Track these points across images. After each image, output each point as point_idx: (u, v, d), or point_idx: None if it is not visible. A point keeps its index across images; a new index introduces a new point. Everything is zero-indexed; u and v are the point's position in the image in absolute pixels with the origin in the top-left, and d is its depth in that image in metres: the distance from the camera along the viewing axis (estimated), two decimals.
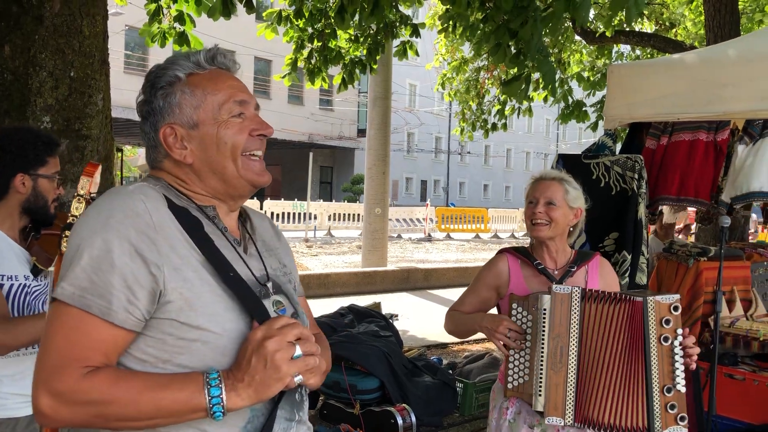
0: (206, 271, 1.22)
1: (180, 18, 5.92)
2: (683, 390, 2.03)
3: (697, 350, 2.08)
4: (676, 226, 5.74)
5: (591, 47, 10.73)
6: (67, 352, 1.12)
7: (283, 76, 7.62)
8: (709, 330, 3.99)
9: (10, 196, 2.10)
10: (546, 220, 2.33)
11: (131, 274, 1.14)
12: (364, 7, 5.43)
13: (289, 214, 22.57)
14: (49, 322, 1.15)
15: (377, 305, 6.61)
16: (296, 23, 7.08)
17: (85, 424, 1.13)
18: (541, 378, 2.11)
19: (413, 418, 4.38)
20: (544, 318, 2.12)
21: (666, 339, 2.03)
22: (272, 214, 22.02)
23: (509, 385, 2.23)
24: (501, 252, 2.51)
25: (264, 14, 7.10)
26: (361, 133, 31.39)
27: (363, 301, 6.86)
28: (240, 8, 5.55)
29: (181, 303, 1.17)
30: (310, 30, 7.24)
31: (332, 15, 6.65)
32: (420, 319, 8.71)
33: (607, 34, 8.19)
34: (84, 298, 1.13)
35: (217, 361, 1.19)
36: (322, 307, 7.30)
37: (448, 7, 5.66)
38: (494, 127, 11.26)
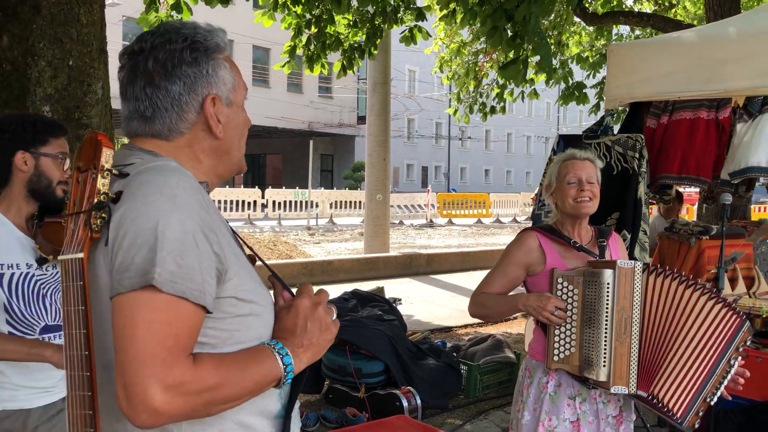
0: (236, 244, 1.24)
1: (177, 6, 5.90)
2: (712, 404, 2.17)
3: (741, 381, 2.21)
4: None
5: (590, 28, 10.68)
6: (172, 341, 1.05)
7: (283, 65, 7.58)
8: None
9: (13, 178, 2.05)
10: (590, 196, 2.39)
11: (205, 255, 1.10)
12: None
13: (290, 202, 22.57)
14: (137, 311, 1.05)
15: (380, 290, 6.63)
16: (293, 9, 7.04)
17: (192, 415, 1.09)
18: (605, 350, 2.17)
19: (418, 401, 4.41)
20: (608, 292, 2.17)
21: (733, 359, 2.16)
22: (274, 202, 22.05)
23: (555, 358, 2.28)
24: (528, 230, 2.54)
25: (261, 0, 7.06)
26: (361, 120, 31.32)
27: (366, 286, 6.88)
28: None
29: (236, 280, 1.17)
30: (308, 16, 7.20)
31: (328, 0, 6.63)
32: (423, 304, 8.75)
33: (599, 12, 8.14)
34: (176, 283, 1.06)
35: (264, 333, 1.22)
36: None
37: None
38: (492, 110, 11.21)
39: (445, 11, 6.99)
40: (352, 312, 5.21)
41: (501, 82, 10.52)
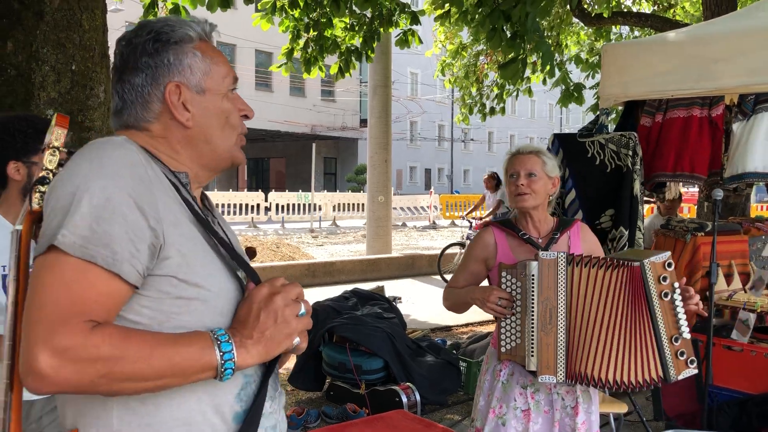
0: (196, 230, 1.19)
1: (176, 11, 5.98)
2: (688, 336, 2.15)
3: (696, 297, 2.18)
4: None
5: (589, 29, 10.73)
6: (68, 305, 1.01)
7: (279, 66, 7.65)
8: (706, 303, 4.05)
9: (9, 185, 2.11)
10: (529, 191, 2.44)
11: (132, 226, 1.06)
12: None
13: (293, 205, 22.67)
14: (41, 274, 1.03)
15: (381, 289, 6.69)
16: (291, 13, 7.11)
17: (87, 386, 1.01)
18: (533, 340, 2.22)
19: (417, 397, 4.47)
20: (533, 283, 2.22)
21: (666, 294, 2.14)
22: (277, 205, 22.13)
23: (502, 349, 2.33)
24: (486, 225, 2.63)
25: (259, 4, 7.13)
26: (364, 123, 31.25)
27: (368, 287, 6.93)
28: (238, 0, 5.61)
29: (180, 260, 1.12)
30: (306, 20, 7.27)
31: (327, 4, 6.70)
32: (425, 304, 8.79)
33: (605, 14, 8.19)
34: (86, 247, 1.03)
35: (215, 321, 1.15)
36: (328, 294, 7.38)
37: None
38: (492, 111, 11.26)
39: (440, 11, 7.06)
40: (352, 310, 5.27)
41: (500, 82, 10.57)
